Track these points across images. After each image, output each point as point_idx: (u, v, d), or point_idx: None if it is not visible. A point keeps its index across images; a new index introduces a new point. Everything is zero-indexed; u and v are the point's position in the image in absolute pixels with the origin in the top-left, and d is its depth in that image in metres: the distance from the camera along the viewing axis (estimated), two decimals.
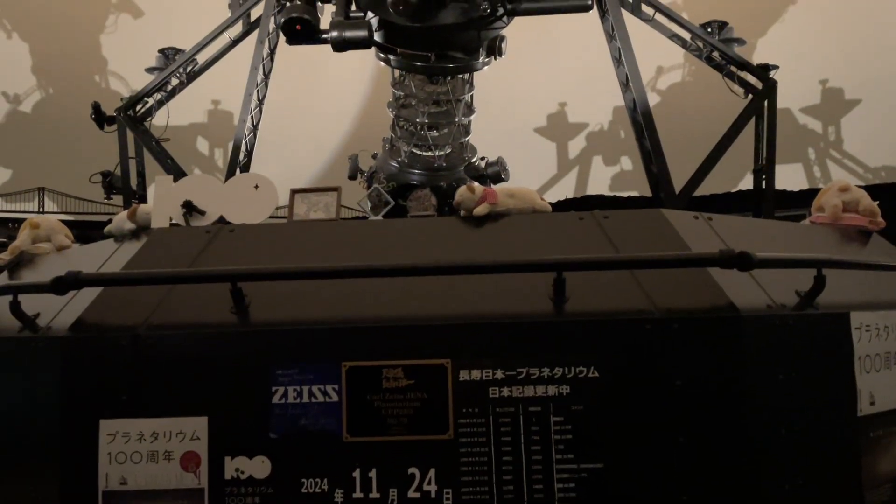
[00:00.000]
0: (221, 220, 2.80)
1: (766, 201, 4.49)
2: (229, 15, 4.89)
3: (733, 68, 4.61)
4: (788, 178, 7.73)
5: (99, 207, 7.14)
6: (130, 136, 4.82)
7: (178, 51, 4.89)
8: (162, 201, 2.73)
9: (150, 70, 4.93)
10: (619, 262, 2.28)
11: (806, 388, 2.19)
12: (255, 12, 4.79)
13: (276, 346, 2.16)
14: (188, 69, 4.84)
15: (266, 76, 4.70)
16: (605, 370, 2.09)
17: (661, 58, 7.58)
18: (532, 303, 2.20)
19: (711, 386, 2.12)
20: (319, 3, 4.55)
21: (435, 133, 4.98)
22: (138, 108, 4.83)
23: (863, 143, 8.25)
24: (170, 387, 2.13)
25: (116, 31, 8.43)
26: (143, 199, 4.71)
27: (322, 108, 8.66)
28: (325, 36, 4.37)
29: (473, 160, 5.20)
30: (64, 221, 3.34)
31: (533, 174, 8.76)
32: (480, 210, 2.69)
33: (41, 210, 8.01)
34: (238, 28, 4.87)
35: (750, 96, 4.56)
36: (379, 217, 3.40)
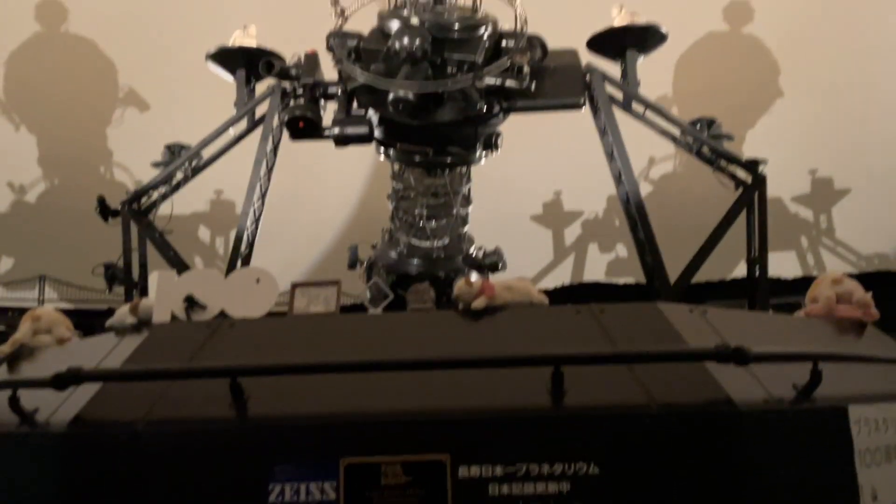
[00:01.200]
0: (222, 315, 2.82)
1: (760, 292, 4.54)
2: (234, 112, 5.04)
3: (723, 162, 4.75)
4: (782, 265, 7.80)
5: (99, 296, 7.17)
6: (134, 227, 4.90)
7: (183, 146, 5.03)
8: (164, 296, 2.77)
9: (155, 165, 5.06)
10: (617, 356, 2.31)
11: (806, 484, 2.19)
12: (260, 110, 4.95)
13: (274, 442, 2.16)
14: (193, 164, 4.97)
15: (269, 170, 4.82)
16: (604, 466, 2.09)
17: (653, 148, 7.77)
18: (530, 397, 2.21)
19: (711, 481, 2.12)
20: (322, 101, 4.72)
21: (433, 224, 5.07)
22: (143, 201, 4.92)
23: (854, 232, 8.37)
24: (168, 484, 2.12)
25: (123, 124, 8.66)
26: (145, 291, 4.74)
27: (322, 198, 8.80)
28: (327, 132, 4.52)
29: (471, 250, 5.27)
30: (64, 310, 3.37)
31: (530, 261, 8.82)
32: (478, 303, 2.73)
33: (41, 298, 8.03)
34: (243, 124, 5.02)
35: (740, 189, 4.68)
36: (378, 310, 3.44)
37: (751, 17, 8.42)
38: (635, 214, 4.55)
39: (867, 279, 3.39)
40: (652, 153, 8.60)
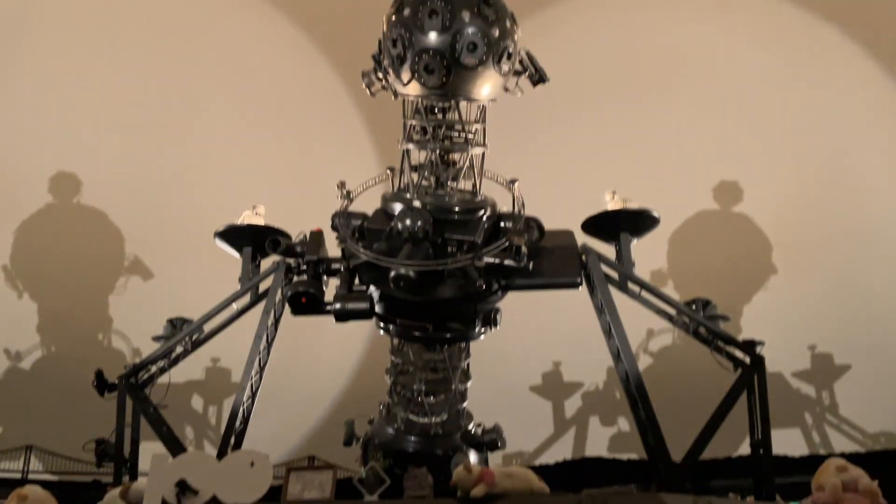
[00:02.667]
0: (215, 500, 2.78)
1: (765, 476, 4.45)
2: (239, 286, 5.17)
3: (720, 343, 4.82)
4: (787, 443, 7.67)
5: (86, 467, 6.99)
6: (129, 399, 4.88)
7: (185, 321, 5.11)
8: (156, 481, 2.74)
9: (156, 339, 5.12)
10: None
11: None
12: (264, 285, 5.08)
13: None
14: (194, 337, 5.03)
15: (269, 344, 4.89)
16: None
17: (651, 320, 7.86)
18: None
19: None
20: (325, 277, 4.87)
21: (432, 400, 5.07)
22: (140, 374, 4.94)
23: (858, 409, 8.29)
24: None
25: (126, 292, 8.80)
26: (135, 469, 4.64)
27: (318, 370, 8.80)
28: (328, 307, 4.63)
29: (470, 427, 5.23)
30: (49, 482, 3.30)
31: (529, 434, 8.67)
32: (478, 491, 2.70)
33: (26, 470, 7.80)
34: (246, 299, 5.13)
35: (739, 370, 4.71)
36: (375, 497, 3.37)
37: (741, 197, 8.80)
38: (635, 393, 4.56)
39: (874, 459, 3.36)
40: (650, 325, 8.69)
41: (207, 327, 5.12)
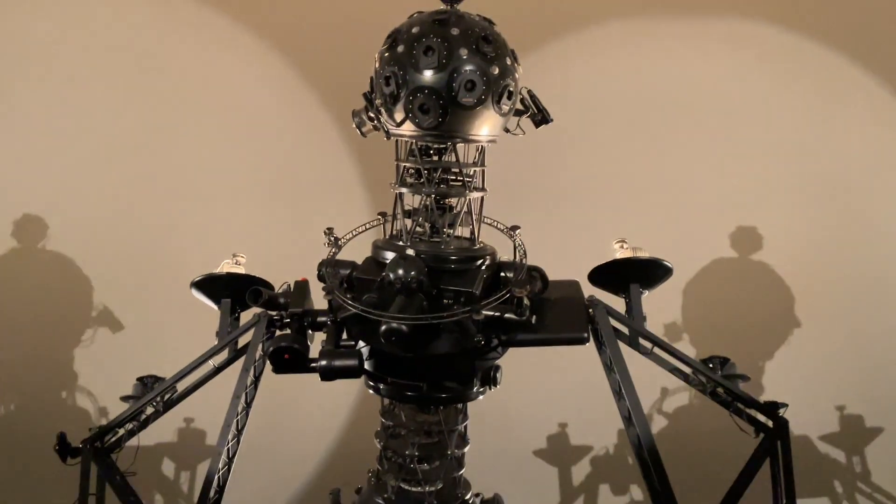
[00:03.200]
0: None
1: None
2: (216, 341, 5.14)
3: (740, 405, 4.78)
4: None
5: None
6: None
7: (157, 379, 5.07)
8: None
9: (125, 398, 5.07)
10: None
11: None
12: (243, 340, 5.05)
13: None
14: (166, 397, 4.98)
15: (248, 405, 4.83)
16: None
17: (666, 378, 7.82)
18: None
19: None
20: (310, 332, 4.85)
21: (426, 466, 4.99)
22: (107, 438, 4.88)
23: (892, 475, 8.21)
24: None
25: (93, 344, 8.74)
26: None
27: (301, 433, 8.71)
28: (313, 365, 4.58)
29: (468, 497, 5.15)
30: None
31: None
32: None
33: None
34: (223, 355, 5.09)
35: (761, 435, 4.67)
36: None
37: (759, 245, 8.84)
38: (648, 460, 4.51)
39: None
40: (664, 383, 8.65)
41: (181, 386, 5.07)
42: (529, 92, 4.67)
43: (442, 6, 4.56)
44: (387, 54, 4.43)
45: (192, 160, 8.79)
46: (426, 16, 4.48)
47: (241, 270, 5.36)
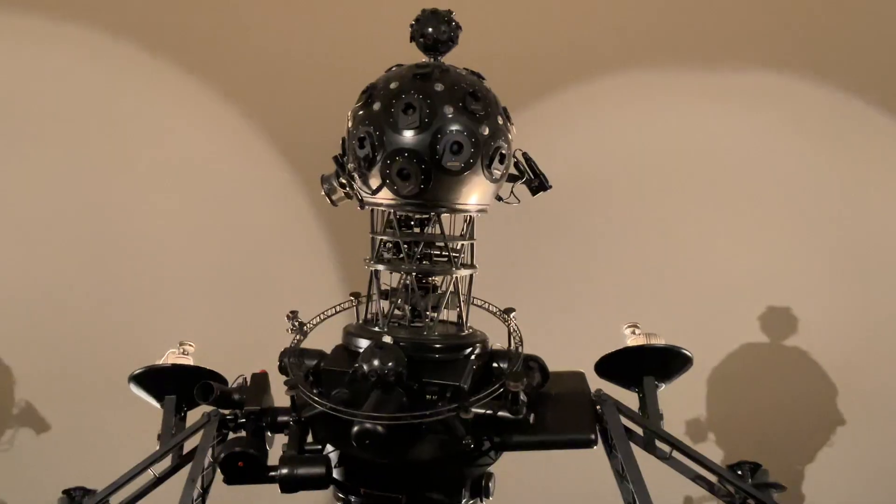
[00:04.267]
0: None
1: None
2: (157, 446, 5.06)
3: None
4: None
5: None
6: None
7: (87, 491, 4.98)
8: None
9: None
10: None
11: None
12: (189, 444, 4.98)
13: None
14: None
15: None
16: None
17: (687, 486, 7.76)
18: None
19: None
20: (269, 434, 4.79)
21: None
22: None
23: None
24: None
25: (12, 450, 8.62)
26: None
27: None
28: (272, 474, 4.51)
29: None
30: None
31: None
32: None
33: None
34: (167, 462, 5.01)
35: None
36: None
37: (794, 328, 8.87)
38: None
39: None
40: (687, 493, 8.56)
41: (115, 500, 4.97)
42: (524, 154, 4.74)
43: (424, 58, 4.67)
44: (361, 112, 4.50)
45: (139, 230, 8.83)
46: (406, 69, 4.57)
47: (188, 361, 5.32)
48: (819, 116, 9.02)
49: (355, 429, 4.23)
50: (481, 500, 4.84)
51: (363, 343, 4.54)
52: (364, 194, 4.58)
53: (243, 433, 4.76)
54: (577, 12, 8.98)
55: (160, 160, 8.90)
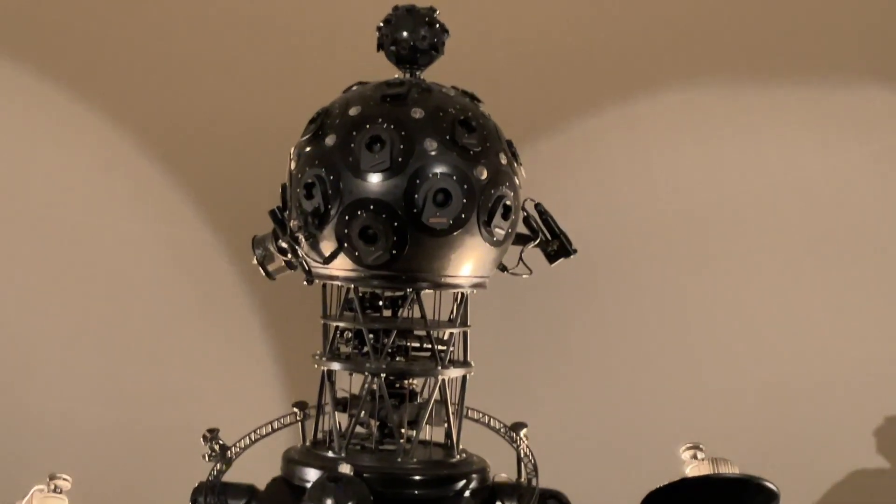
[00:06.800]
0: None
1: None
2: None
3: None
4: None
5: None
6: None
7: None
8: None
9: None
10: None
11: None
12: None
13: None
14: None
15: None
16: None
17: None
18: None
19: None
20: None
21: None
22: None
23: None
24: None
25: None
26: None
27: None
28: None
29: None
30: None
31: None
32: None
33: None
34: None
35: None
36: None
37: None
38: None
39: None
40: None
41: None
42: (538, 206, 4.76)
43: (397, 73, 4.70)
44: (309, 149, 4.52)
45: (11, 312, 8.78)
46: (372, 89, 4.61)
47: None
48: None
49: None
50: None
51: (311, 475, 4.53)
52: (313, 263, 4.58)
53: None
54: (612, 5, 9.04)
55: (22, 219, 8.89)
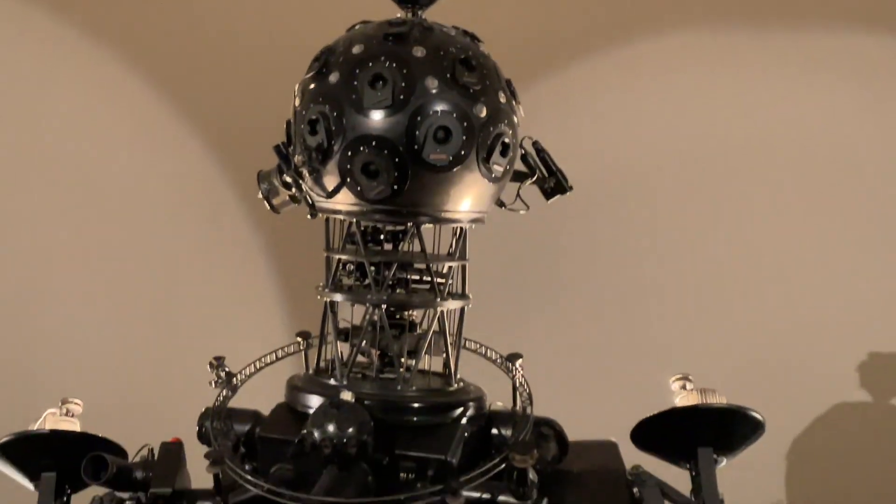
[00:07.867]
0: None
1: None
2: None
3: None
4: None
5: None
6: None
7: None
8: None
9: None
10: None
11: None
12: None
13: None
14: None
15: None
16: None
17: None
18: None
19: None
20: None
21: None
22: None
23: None
24: None
25: None
26: None
27: None
28: None
29: None
30: None
31: None
32: None
33: None
34: None
35: None
36: None
37: None
38: None
39: None
40: None
41: None
42: (535, 144, 4.75)
43: (399, 13, 4.68)
44: (313, 86, 4.51)
45: (6, 244, 8.79)
46: (374, 28, 4.59)
47: (74, 427, 5.28)
48: None
49: None
50: None
51: (314, 401, 4.56)
52: (316, 198, 4.60)
53: None
54: None
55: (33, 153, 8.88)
